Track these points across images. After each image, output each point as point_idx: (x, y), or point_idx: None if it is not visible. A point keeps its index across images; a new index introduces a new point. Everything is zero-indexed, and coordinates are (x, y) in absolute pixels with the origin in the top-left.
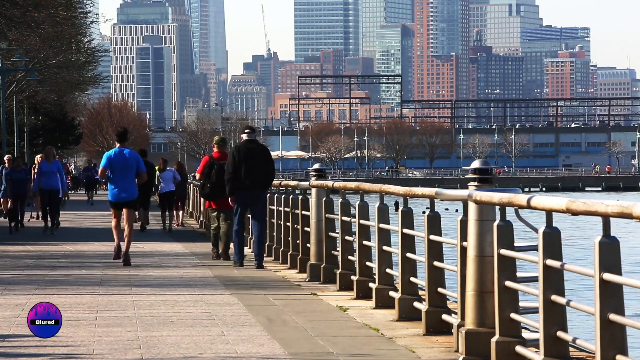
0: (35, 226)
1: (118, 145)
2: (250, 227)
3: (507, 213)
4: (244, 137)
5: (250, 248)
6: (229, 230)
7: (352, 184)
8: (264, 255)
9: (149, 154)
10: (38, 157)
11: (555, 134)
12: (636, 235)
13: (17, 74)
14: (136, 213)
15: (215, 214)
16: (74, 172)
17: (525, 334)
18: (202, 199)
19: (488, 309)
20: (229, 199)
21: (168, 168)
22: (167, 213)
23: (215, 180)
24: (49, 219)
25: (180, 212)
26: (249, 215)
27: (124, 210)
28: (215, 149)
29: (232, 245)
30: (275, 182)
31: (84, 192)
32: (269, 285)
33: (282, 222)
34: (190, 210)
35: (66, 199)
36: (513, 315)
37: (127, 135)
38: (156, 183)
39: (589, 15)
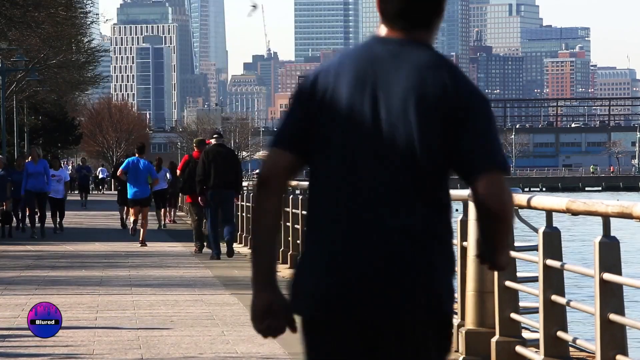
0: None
1: (137, 155)
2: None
3: None
4: (213, 141)
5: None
6: (209, 228)
7: None
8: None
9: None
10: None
11: (555, 134)
12: (636, 235)
13: (17, 74)
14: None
15: (193, 208)
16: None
17: (525, 334)
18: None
19: (488, 309)
20: (199, 198)
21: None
22: (161, 210)
23: (186, 177)
24: (39, 221)
25: (173, 209)
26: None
27: (139, 207)
28: (195, 149)
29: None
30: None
31: (77, 193)
32: None
33: (282, 222)
34: (189, 209)
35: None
36: (513, 315)
37: (145, 149)
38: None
39: (589, 15)
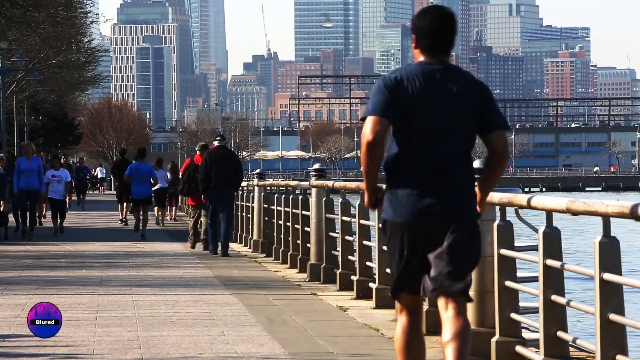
0: (45, 226)
1: (138, 160)
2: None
3: (507, 213)
4: (216, 143)
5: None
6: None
7: (352, 184)
8: (269, 253)
9: (148, 153)
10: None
11: (555, 134)
12: (636, 235)
13: (17, 74)
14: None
15: (193, 209)
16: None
17: (525, 334)
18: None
19: (488, 309)
20: (202, 196)
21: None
22: (160, 208)
23: (186, 179)
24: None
25: (174, 208)
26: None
27: (141, 205)
28: (198, 153)
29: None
30: (275, 182)
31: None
32: (269, 285)
33: (282, 222)
34: (190, 210)
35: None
36: (513, 315)
37: (145, 153)
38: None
39: (589, 15)
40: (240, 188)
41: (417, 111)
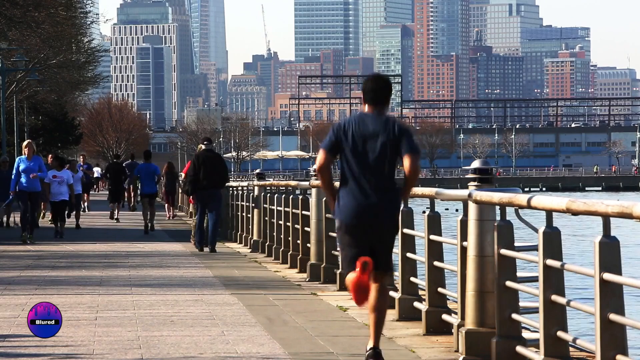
0: (44, 227)
1: (145, 161)
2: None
3: (507, 213)
4: (203, 147)
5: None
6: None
7: None
8: (266, 253)
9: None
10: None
11: (555, 134)
12: (636, 235)
13: (17, 74)
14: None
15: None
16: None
17: (525, 334)
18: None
19: (488, 309)
20: (190, 197)
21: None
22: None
23: (189, 180)
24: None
25: (171, 207)
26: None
27: (149, 200)
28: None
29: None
30: (275, 182)
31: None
32: (269, 285)
33: (282, 222)
34: (191, 210)
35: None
36: (513, 315)
37: (150, 155)
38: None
39: (589, 15)
40: (224, 187)
41: (351, 145)
